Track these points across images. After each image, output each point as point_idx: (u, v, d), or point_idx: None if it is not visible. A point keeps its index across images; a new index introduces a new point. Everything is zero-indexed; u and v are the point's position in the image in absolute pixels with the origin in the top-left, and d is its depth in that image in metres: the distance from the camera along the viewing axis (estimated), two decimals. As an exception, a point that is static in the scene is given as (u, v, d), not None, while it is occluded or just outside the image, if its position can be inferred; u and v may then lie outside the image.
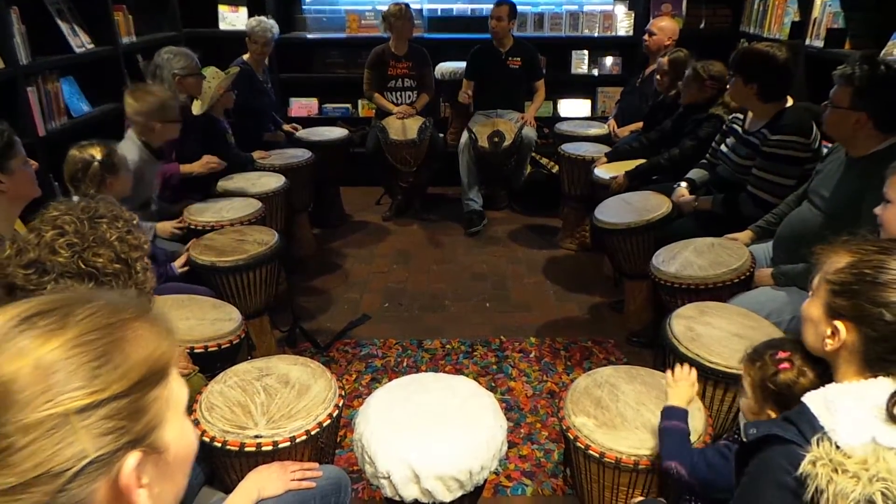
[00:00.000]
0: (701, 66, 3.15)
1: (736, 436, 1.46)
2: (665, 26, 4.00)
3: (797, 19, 3.62)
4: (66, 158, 2.32)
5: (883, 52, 2.86)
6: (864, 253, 1.09)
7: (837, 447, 0.91)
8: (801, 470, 0.92)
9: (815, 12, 3.41)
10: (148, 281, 1.17)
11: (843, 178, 2.08)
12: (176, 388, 0.67)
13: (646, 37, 4.05)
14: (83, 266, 1.07)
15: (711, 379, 1.76)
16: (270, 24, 4.03)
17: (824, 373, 1.22)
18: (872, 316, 1.03)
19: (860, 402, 0.99)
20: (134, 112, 2.69)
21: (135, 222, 1.25)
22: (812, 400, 1.02)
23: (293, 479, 1.46)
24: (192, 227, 2.84)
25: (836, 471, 0.89)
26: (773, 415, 1.30)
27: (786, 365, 1.28)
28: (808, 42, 3.45)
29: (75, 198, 2.29)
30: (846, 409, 0.97)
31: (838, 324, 1.08)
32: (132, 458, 0.60)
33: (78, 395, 0.58)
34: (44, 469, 0.55)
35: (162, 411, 0.64)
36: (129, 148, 2.65)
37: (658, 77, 3.65)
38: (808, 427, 0.97)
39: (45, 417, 0.56)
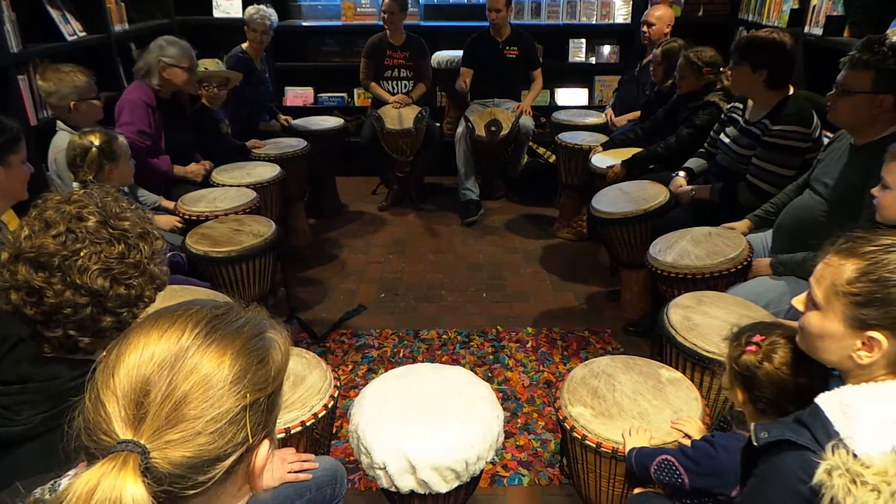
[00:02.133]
0: (694, 54, 3.12)
1: (722, 424, 1.46)
2: (662, 15, 3.97)
3: (796, 6, 3.60)
4: (68, 144, 2.30)
5: (882, 39, 2.84)
6: (872, 256, 1.04)
7: (855, 456, 0.87)
8: (815, 479, 0.87)
9: (815, -1, 3.39)
10: (162, 250, 1.17)
11: (847, 166, 2.07)
12: None
13: (644, 28, 4.02)
14: (112, 230, 1.08)
15: (709, 369, 1.76)
16: (269, 12, 4.00)
17: (803, 370, 1.21)
18: None
19: (879, 406, 0.95)
20: (46, 93, 2.60)
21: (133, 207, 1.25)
22: (826, 403, 0.97)
23: (290, 471, 1.46)
24: (186, 216, 2.82)
25: (854, 482, 0.84)
26: (740, 394, 1.29)
27: (752, 348, 1.27)
28: (807, 29, 3.42)
29: (75, 184, 2.28)
30: (864, 414, 0.93)
31: (876, 335, 1.02)
32: (265, 446, 0.73)
33: (251, 390, 0.70)
34: (222, 450, 0.66)
35: (279, 408, 0.78)
36: (62, 139, 2.52)
37: (652, 68, 3.63)
38: (823, 432, 0.93)
39: (232, 407, 0.67)
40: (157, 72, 3.08)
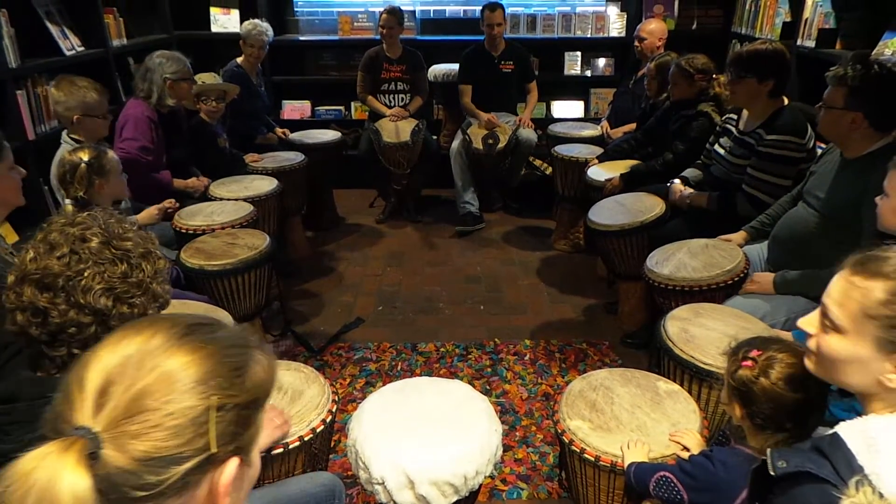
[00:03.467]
0: (685, 61, 3.15)
1: (721, 438, 1.46)
2: (654, 29, 4.01)
3: (788, 20, 3.64)
4: (58, 161, 2.31)
5: (874, 52, 2.87)
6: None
7: (881, 495, 0.81)
8: None
9: (807, 12, 3.43)
10: (164, 269, 1.19)
11: (839, 179, 2.08)
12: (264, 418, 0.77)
13: (636, 43, 4.06)
14: (115, 251, 1.10)
15: (707, 381, 1.76)
16: (265, 27, 4.02)
17: (800, 386, 1.19)
18: None
19: None
20: (55, 102, 2.64)
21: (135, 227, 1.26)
22: (849, 434, 0.93)
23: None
24: (183, 231, 2.82)
25: None
26: (738, 409, 1.29)
27: (748, 363, 1.27)
28: (799, 42, 3.46)
29: (67, 201, 2.28)
30: (892, 449, 0.89)
31: None
32: (233, 464, 0.69)
33: (221, 393, 0.68)
34: (178, 451, 0.64)
35: (258, 431, 0.75)
36: (65, 150, 2.49)
37: (647, 83, 3.66)
38: (845, 466, 0.89)
39: (194, 405, 0.65)
40: (165, 91, 3.08)
